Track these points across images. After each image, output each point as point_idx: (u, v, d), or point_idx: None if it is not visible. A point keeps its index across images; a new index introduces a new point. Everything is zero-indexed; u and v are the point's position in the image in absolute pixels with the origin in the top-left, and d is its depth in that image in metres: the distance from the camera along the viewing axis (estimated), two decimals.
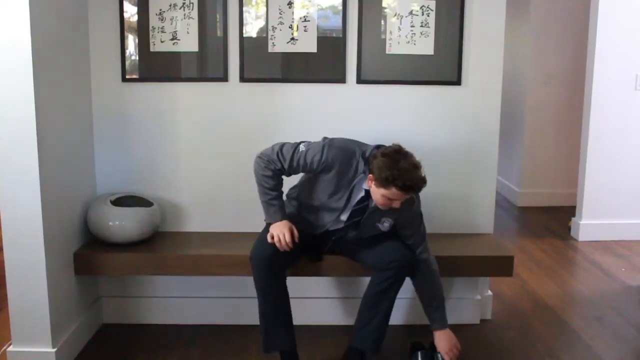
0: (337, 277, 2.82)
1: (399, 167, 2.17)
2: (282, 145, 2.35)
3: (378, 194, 2.24)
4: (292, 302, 2.90)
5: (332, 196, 2.36)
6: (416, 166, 2.22)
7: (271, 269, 2.34)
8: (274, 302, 2.37)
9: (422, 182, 2.23)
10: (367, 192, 2.33)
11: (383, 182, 2.20)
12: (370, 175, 2.25)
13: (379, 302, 2.37)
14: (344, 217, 2.40)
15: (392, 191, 2.20)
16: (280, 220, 2.35)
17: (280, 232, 2.30)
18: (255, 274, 2.35)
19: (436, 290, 2.47)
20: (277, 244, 2.30)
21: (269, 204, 2.37)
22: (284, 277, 2.39)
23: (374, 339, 2.39)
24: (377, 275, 2.37)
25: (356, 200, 2.36)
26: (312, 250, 2.49)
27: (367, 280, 2.43)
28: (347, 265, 2.51)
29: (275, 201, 2.36)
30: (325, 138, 2.37)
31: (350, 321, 2.67)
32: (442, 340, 2.45)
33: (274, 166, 2.33)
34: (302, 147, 2.34)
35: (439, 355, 2.45)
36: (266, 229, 2.40)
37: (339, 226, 2.44)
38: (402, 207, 2.30)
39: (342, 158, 2.30)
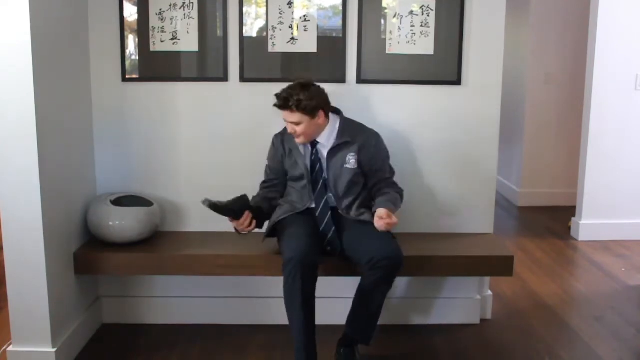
0: (337, 277, 2.82)
1: (283, 89, 2.45)
2: None
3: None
4: None
5: (291, 167, 2.57)
6: (296, 88, 2.41)
7: (310, 268, 2.32)
8: (308, 313, 2.35)
9: (292, 99, 2.39)
10: (312, 143, 2.52)
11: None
12: None
13: (370, 300, 2.39)
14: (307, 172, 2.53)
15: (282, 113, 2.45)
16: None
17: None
18: (291, 278, 2.30)
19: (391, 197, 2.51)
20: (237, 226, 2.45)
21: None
22: (315, 282, 2.38)
23: (365, 333, 2.46)
24: (367, 274, 2.36)
25: (308, 156, 2.53)
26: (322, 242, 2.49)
27: None
28: (347, 265, 2.51)
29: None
30: None
31: None
32: (380, 212, 2.40)
33: (263, 184, 2.66)
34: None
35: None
36: (286, 236, 2.43)
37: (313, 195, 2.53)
38: (350, 136, 2.50)
39: (284, 131, 2.57)
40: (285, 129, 2.55)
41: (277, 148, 2.60)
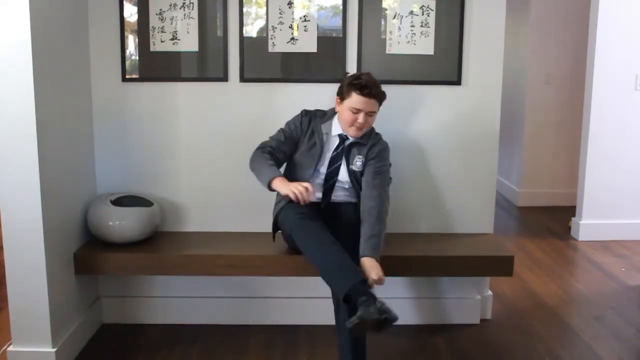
0: None
1: (359, 76, 2.42)
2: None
3: (344, 109, 2.42)
4: (292, 301, 2.92)
5: (310, 149, 2.49)
6: (374, 79, 2.42)
7: (309, 218, 2.34)
8: (327, 242, 2.27)
9: (379, 88, 2.41)
10: (341, 137, 2.49)
11: (345, 91, 2.41)
12: (338, 98, 2.48)
13: None
14: (322, 168, 2.49)
15: (353, 97, 2.38)
16: (279, 175, 2.35)
17: (295, 187, 2.27)
18: (295, 229, 2.34)
19: (376, 226, 2.36)
20: (299, 197, 2.26)
21: (265, 166, 2.39)
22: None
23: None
24: None
25: (333, 148, 2.49)
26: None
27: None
28: None
29: (271, 162, 2.41)
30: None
31: None
32: (369, 266, 2.23)
33: (266, 145, 2.49)
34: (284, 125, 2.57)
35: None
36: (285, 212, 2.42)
37: (321, 181, 2.49)
38: (369, 140, 2.49)
39: (316, 113, 2.56)
40: (316, 112, 2.55)
41: (302, 123, 2.52)
